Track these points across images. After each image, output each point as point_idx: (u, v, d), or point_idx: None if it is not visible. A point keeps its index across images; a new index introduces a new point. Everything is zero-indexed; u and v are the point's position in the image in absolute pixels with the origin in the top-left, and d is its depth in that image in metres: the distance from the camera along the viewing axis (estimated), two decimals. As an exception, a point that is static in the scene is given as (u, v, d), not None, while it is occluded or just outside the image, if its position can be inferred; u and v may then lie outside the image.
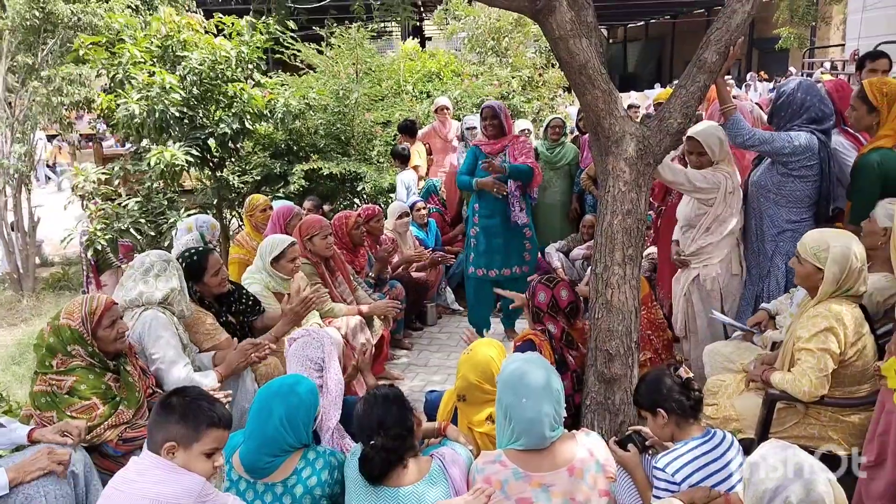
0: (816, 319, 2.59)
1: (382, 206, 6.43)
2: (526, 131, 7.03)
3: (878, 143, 3.27)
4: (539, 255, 5.88)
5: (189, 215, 6.04)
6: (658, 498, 2.21)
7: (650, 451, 2.52)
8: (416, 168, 6.72)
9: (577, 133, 6.97)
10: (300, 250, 3.88)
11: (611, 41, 32.59)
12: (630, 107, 9.53)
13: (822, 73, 10.96)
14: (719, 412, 2.88)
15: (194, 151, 5.93)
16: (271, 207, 4.90)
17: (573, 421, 3.02)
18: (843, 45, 14.06)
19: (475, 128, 7.14)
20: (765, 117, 4.26)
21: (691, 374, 2.48)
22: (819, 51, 18.77)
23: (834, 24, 20.27)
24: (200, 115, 6.21)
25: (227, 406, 2.29)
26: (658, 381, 2.42)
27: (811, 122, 3.44)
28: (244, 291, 3.50)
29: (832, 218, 3.59)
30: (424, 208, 5.91)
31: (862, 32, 11.18)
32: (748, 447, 2.38)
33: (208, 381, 2.79)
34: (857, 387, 2.64)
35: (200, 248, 3.39)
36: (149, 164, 5.43)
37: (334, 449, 2.46)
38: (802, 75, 12.39)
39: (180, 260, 3.22)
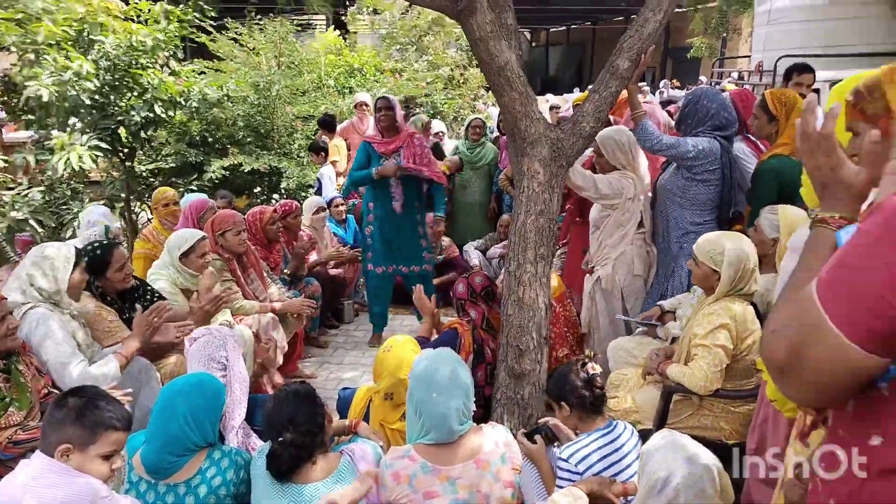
0: (711, 317, 2.73)
1: (301, 202, 6.35)
2: (440, 133, 7.09)
3: (777, 150, 3.45)
4: (458, 253, 5.97)
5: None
6: (561, 487, 2.28)
7: (556, 443, 2.60)
8: (333, 164, 6.65)
9: (497, 134, 7.07)
10: (211, 246, 3.78)
11: (533, 44, 33.18)
12: (552, 108, 9.76)
13: (728, 82, 11.51)
14: (620, 404, 3.00)
15: (103, 144, 5.66)
16: (176, 203, 4.72)
17: (484, 413, 3.09)
18: (750, 56, 14.82)
19: (441, 132, 7.16)
20: (672, 123, 4.46)
21: (599, 370, 2.58)
22: (728, 61, 19.71)
23: (744, 35, 21.35)
24: (112, 102, 5.94)
25: (127, 406, 2.20)
26: (564, 375, 2.51)
27: (715, 128, 3.61)
28: (149, 288, 3.37)
29: (733, 221, 3.80)
30: (343, 204, 5.85)
31: (766, 45, 11.80)
32: (647, 438, 2.49)
33: (108, 369, 2.68)
34: (747, 380, 2.80)
35: (104, 242, 3.25)
36: (54, 167, 5.15)
37: (240, 448, 2.42)
38: (712, 84, 13.00)
39: (83, 254, 3.08)
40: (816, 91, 5.85)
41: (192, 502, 2.12)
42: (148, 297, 3.34)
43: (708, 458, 1.88)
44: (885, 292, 0.95)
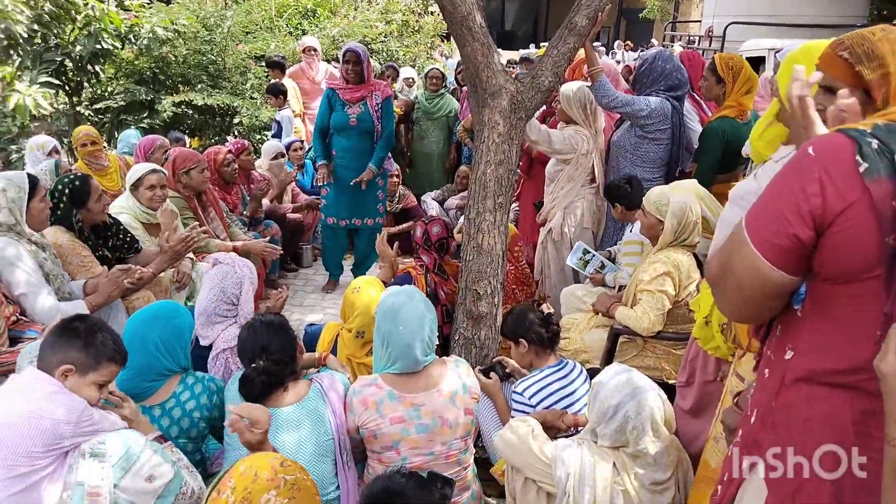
0: (656, 265, 2.93)
1: (256, 143, 6.28)
2: (409, 80, 7.05)
3: (724, 112, 3.62)
4: (415, 203, 6.05)
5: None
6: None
7: (511, 379, 2.79)
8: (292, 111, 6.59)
9: (455, 86, 7.09)
10: (170, 183, 3.78)
11: (490, -2, 32.76)
12: (511, 61, 9.73)
13: (679, 45, 11.74)
14: (571, 345, 3.20)
15: (53, 80, 5.48)
16: (94, 143, 4.59)
17: (442, 352, 3.25)
18: (701, 21, 15.07)
19: (410, 78, 7.06)
20: (624, 84, 4.61)
21: (551, 311, 2.76)
22: (680, 25, 19.99)
23: (695, 0, 21.62)
24: (54, 33, 5.71)
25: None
26: (522, 314, 2.68)
27: (668, 89, 3.77)
28: (122, 227, 3.38)
29: (680, 178, 4.00)
30: (301, 149, 5.83)
31: (716, 10, 12.05)
32: (594, 376, 2.70)
33: (78, 308, 2.71)
34: (687, 325, 3.01)
35: (80, 174, 3.23)
36: (7, 110, 4.99)
37: (213, 376, 2.51)
38: (665, 47, 13.22)
39: (61, 187, 3.09)
40: (762, 59, 6.10)
41: (167, 423, 2.22)
42: (120, 236, 3.35)
43: (653, 388, 2.08)
44: (786, 214, 1.16)
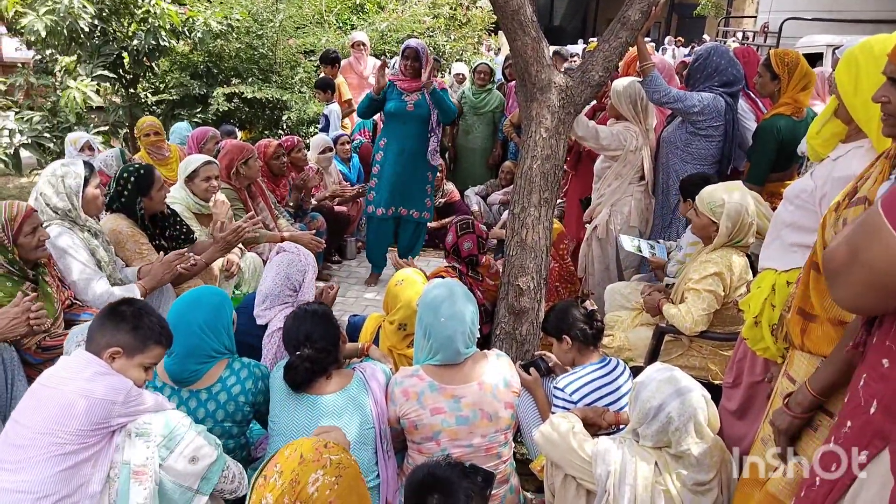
0: (707, 265, 2.87)
1: (304, 137, 6.36)
2: (460, 75, 7.04)
3: (779, 109, 3.52)
4: (459, 197, 6.06)
5: (98, 133, 5.81)
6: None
7: (552, 375, 2.77)
8: (348, 102, 6.64)
9: (503, 81, 7.06)
10: (223, 175, 3.87)
11: (539, -8, 32.51)
12: (572, 55, 9.62)
13: (732, 41, 11.46)
14: (614, 343, 3.17)
15: (108, 73, 5.67)
16: (158, 133, 4.74)
17: (481, 349, 3.24)
18: (756, 17, 14.69)
19: (461, 74, 7.09)
20: (678, 81, 4.53)
21: (595, 307, 2.73)
22: (733, 21, 19.52)
23: (751, -5, 21.07)
24: (113, 28, 5.90)
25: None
26: (566, 310, 2.66)
27: (723, 84, 3.69)
28: (178, 218, 3.48)
29: (731, 177, 3.91)
30: (349, 142, 5.90)
31: (773, 6, 11.73)
32: (638, 374, 2.66)
33: (130, 292, 2.81)
34: (735, 326, 2.94)
35: (144, 164, 3.35)
36: (58, 103, 5.21)
37: (266, 354, 2.56)
38: (717, 42, 12.91)
39: (126, 175, 3.19)
40: (819, 55, 5.91)
41: (213, 407, 2.27)
42: (177, 227, 3.45)
43: (698, 388, 2.03)
44: None
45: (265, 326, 2.78)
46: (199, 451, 1.90)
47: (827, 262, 1.32)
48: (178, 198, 3.65)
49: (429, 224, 5.79)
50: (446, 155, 6.65)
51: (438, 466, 1.75)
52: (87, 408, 1.75)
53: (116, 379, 1.83)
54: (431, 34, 9.07)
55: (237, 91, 6.51)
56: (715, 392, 2.64)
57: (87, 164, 2.98)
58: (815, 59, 6.39)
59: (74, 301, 2.76)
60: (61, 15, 5.29)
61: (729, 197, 2.86)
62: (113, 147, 5.30)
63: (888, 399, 1.27)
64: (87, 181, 2.93)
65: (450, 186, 6.03)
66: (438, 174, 5.60)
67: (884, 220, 1.16)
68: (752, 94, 4.04)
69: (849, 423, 1.38)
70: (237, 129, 6.11)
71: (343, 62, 7.16)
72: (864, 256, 1.20)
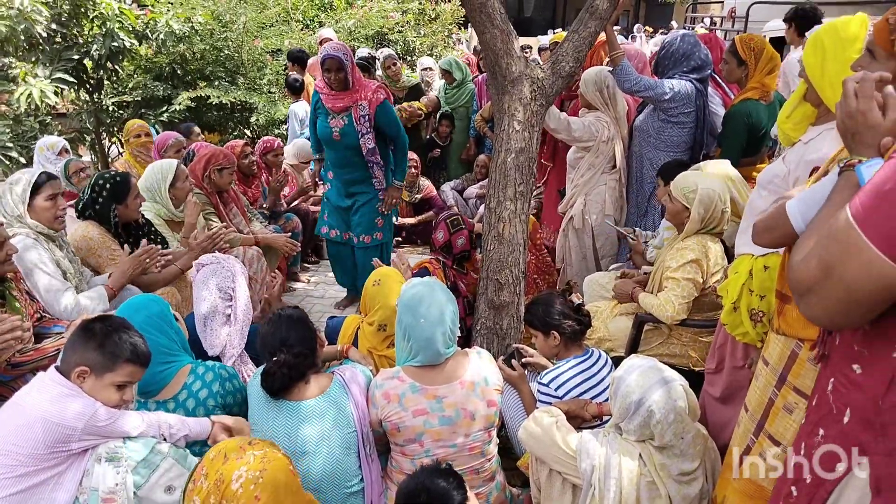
0: (685, 252, 2.86)
1: (277, 138, 6.27)
2: (429, 70, 7.00)
3: (747, 94, 3.55)
4: (435, 192, 6.03)
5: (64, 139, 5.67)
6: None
7: (528, 368, 2.75)
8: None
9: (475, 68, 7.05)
10: (196, 179, 3.82)
11: (508, -16, 32.49)
12: (523, 48, 9.64)
13: (700, 27, 11.54)
14: (594, 334, 3.16)
15: (68, 77, 5.53)
16: (148, 134, 4.68)
17: (464, 343, 3.23)
18: (723, 2, 14.78)
19: (429, 67, 7.01)
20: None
21: (582, 300, 2.72)
22: (701, 6, 19.64)
23: (717, -19, 21.21)
24: (74, 32, 5.76)
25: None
26: (552, 304, 2.64)
27: (691, 70, 3.70)
28: (152, 227, 3.42)
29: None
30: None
31: (739, -9, 11.79)
32: (619, 364, 2.66)
33: (98, 299, 2.75)
34: (713, 312, 2.95)
35: (120, 172, 3.27)
36: (17, 101, 5.07)
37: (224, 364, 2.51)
38: (685, 29, 12.99)
39: (102, 181, 3.12)
40: (785, 39, 5.95)
41: (182, 415, 2.22)
42: (151, 235, 3.38)
43: (678, 378, 2.03)
44: None
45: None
46: (175, 480, 1.85)
47: (795, 277, 1.21)
48: (147, 206, 3.57)
49: (405, 221, 5.76)
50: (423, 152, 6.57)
51: (431, 475, 1.72)
52: (43, 431, 1.71)
53: (80, 402, 1.78)
54: (401, 30, 9.01)
55: (202, 95, 6.41)
56: (696, 379, 2.66)
57: (48, 175, 2.89)
58: (781, 42, 6.44)
59: (44, 314, 2.69)
60: (15, 19, 5.15)
61: (702, 183, 2.86)
62: (81, 156, 5.19)
63: (862, 409, 1.22)
64: (38, 190, 2.81)
65: (425, 182, 5.99)
66: (413, 170, 5.57)
67: (860, 236, 1.07)
68: (719, 79, 4.06)
69: (821, 432, 1.32)
70: (197, 128, 5.89)
71: (311, 60, 7.07)
72: (840, 273, 1.11)
